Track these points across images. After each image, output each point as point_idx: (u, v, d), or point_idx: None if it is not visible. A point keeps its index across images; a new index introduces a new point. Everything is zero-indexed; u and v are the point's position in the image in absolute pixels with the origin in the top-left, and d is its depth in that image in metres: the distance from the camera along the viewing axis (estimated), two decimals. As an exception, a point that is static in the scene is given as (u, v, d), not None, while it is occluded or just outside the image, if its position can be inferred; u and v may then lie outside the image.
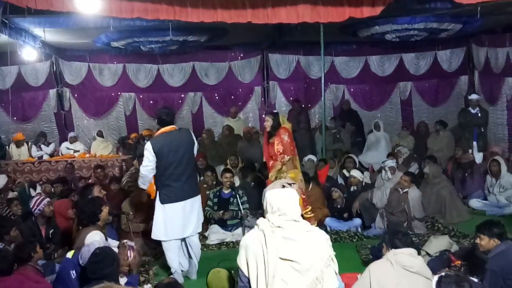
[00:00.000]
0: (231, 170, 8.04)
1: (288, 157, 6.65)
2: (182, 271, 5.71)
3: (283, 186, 5.07)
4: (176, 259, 5.65)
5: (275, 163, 6.71)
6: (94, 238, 4.74)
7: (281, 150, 6.63)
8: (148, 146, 5.47)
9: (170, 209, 5.50)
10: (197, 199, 5.71)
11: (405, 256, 3.87)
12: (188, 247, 5.72)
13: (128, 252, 4.90)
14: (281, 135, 6.68)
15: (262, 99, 13.20)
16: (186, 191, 5.57)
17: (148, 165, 5.49)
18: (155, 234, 5.59)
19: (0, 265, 4.34)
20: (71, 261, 4.54)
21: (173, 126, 5.67)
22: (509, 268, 4.30)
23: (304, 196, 6.63)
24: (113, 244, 5.21)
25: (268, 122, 6.82)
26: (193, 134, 5.86)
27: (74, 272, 4.45)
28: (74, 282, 4.40)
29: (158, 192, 5.55)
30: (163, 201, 5.51)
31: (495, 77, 11.38)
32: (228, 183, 7.48)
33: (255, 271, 3.31)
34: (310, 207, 6.67)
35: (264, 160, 7.35)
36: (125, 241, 5.09)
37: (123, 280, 4.57)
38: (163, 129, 5.61)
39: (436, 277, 3.47)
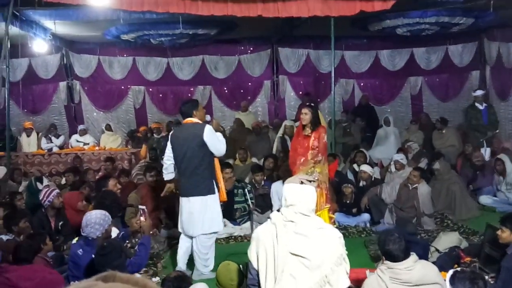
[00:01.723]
0: (231, 166, 7.97)
1: (321, 157, 6.24)
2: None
3: (302, 182, 4.99)
4: (180, 255, 5.59)
5: (307, 161, 6.24)
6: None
7: (315, 146, 6.22)
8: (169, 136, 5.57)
9: (181, 202, 5.52)
10: (204, 200, 5.38)
11: (400, 271, 3.61)
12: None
13: (140, 216, 5.21)
14: (321, 132, 6.21)
15: (272, 93, 13.17)
16: (187, 188, 5.41)
17: (166, 155, 5.58)
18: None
19: (24, 254, 4.42)
20: (77, 244, 4.67)
21: (191, 119, 5.46)
22: None
23: (327, 193, 6.43)
24: (114, 233, 5.26)
25: (307, 116, 6.15)
26: (207, 129, 5.32)
27: (81, 250, 4.56)
28: (82, 259, 4.48)
29: None
30: (179, 193, 5.60)
31: (506, 72, 11.27)
32: (228, 178, 7.27)
33: (264, 264, 3.31)
34: (329, 206, 6.41)
35: (290, 154, 6.67)
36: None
37: None
38: (183, 121, 5.62)
39: (450, 272, 3.43)
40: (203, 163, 5.36)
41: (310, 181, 5.10)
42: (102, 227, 4.66)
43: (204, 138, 5.29)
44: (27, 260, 4.41)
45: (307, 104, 6.51)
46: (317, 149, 6.25)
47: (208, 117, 5.95)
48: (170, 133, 5.59)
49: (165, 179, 5.70)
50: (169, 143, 5.54)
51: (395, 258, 3.64)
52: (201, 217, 5.40)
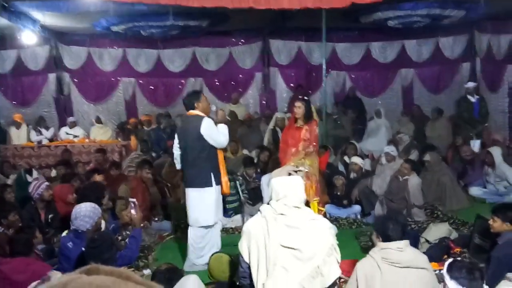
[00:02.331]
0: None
1: (312, 149, 6.36)
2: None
3: (289, 174, 5.00)
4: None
5: (298, 152, 6.35)
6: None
7: (307, 137, 6.33)
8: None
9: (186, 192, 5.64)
10: (201, 192, 5.44)
11: (392, 251, 3.65)
12: None
13: (131, 209, 5.27)
14: (313, 125, 6.35)
15: (263, 85, 13.14)
16: (188, 179, 5.54)
17: (174, 145, 5.73)
18: None
19: (22, 248, 4.42)
20: (67, 237, 4.68)
21: (193, 111, 5.53)
22: None
23: (317, 186, 6.48)
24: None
25: (300, 109, 6.30)
26: (205, 122, 5.38)
27: (71, 243, 4.56)
28: (72, 252, 4.48)
29: None
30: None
31: (497, 64, 11.32)
32: None
33: (256, 258, 3.31)
34: (318, 199, 6.46)
35: (280, 146, 6.80)
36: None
37: None
38: (186, 113, 5.70)
39: (447, 263, 3.45)
40: (202, 155, 5.41)
41: (296, 171, 5.10)
42: (91, 219, 4.65)
43: (201, 131, 5.35)
44: (24, 253, 4.39)
45: (301, 97, 6.60)
46: (308, 140, 6.30)
47: (213, 107, 5.94)
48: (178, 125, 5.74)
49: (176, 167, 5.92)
50: (176, 134, 5.73)
51: (390, 238, 3.68)
52: (197, 209, 5.45)
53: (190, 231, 5.57)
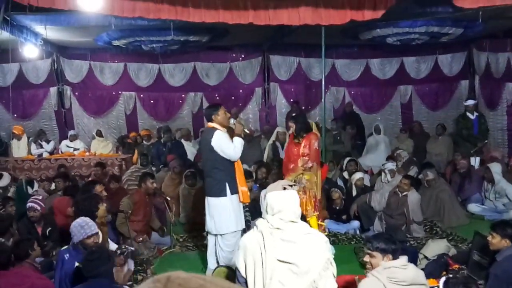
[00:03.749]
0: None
1: (311, 164, 6.46)
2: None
3: (284, 188, 5.04)
4: (208, 254, 5.74)
5: (297, 167, 6.48)
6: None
7: (306, 153, 6.46)
8: None
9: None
10: (212, 201, 5.59)
11: (397, 269, 3.63)
12: None
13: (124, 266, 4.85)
14: (311, 139, 6.49)
15: (263, 100, 13.20)
16: (206, 188, 5.72)
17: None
18: None
19: (3, 259, 4.42)
20: (65, 249, 4.72)
21: (210, 123, 5.69)
22: None
23: (315, 201, 6.52)
24: (113, 247, 5.24)
25: (291, 128, 6.64)
26: (216, 135, 5.49)
27: (67, 255, 4.58)
28: (69, 263, 4.49)
29: None
30: None
31: (495, 82, 11.39)
32: None
33: (252, 272, 3.32)
34: (318, 213, 6.52)
35: (284, 161, 7.03)
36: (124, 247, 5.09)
37: None
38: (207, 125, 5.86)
39: (443, 279, 3.46)
40: (216, 166, 5.55)
41: (291, 186, 5.16)
42: (79, 233, 4.66)
43: (212, 143, 5.49)
44: (2, 266, 4.38)
45: (292, 115, 6.80)
46: (308, 156, 6.35)
47: (232, 120, 5.99)
48: None
49: None
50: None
51: (387, 251, 3.67)
52: (213, 218, 5.59)
53: (218, 240, 5.62)
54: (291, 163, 6.59)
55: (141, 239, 6.60)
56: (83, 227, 4.69)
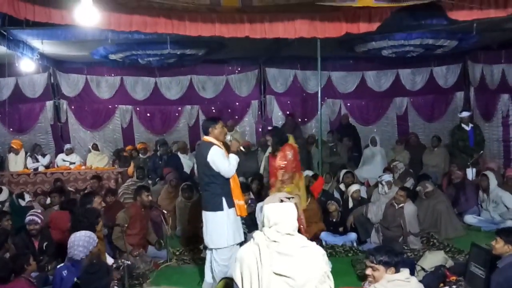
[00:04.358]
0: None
1: (288, 174, 6.49)
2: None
3: (281, 201, 5.04)
4: (205, 267, 5.69)
5: (275, 181, 6.56)
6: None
7: (282, 165, 6.51)
8: None
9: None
10: (208, 216, 5.55)
11: (401, 282, 3.65)
12: None
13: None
14: (286, 151, 6.54)
15: (259, 113, 13.23)
16: (202, 203, 5.66)
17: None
18: None
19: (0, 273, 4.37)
20: (62, 266, 4.68)
21: (206, 137, 5.64)
22: None
23: (299, 213, 6.52)
24: (109, 261, 5.21)
25: (268, 142, 6.77)
26: (212, 150, 5.47)
27: (65, 271, 4.55)
28: (66, 280, 4.44)
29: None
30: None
31: (490, 93, 11.46)
32: None
33: (248, 285, 3.31)
34: (302, 226, 6.50)
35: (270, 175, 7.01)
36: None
37: None
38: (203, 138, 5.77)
39: None
40: (212, 180, 5.50)
41: (289, 198, 5.16)
42: (86, 248, 4.64)
43: (208, 158, 5.45)
44: (3, 279, 4.36)
45: (268, 129, 6.88)
46: (284, 168, 6.40)
47: (228, 137, 5.98)
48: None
49: None
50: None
51: (390, 264, 3.67)
52: (209, 232, 5.54)
53: (212, 254, 5.59)
54: (271, 177, 6.67)
55: (137, 253, 6.58)
56: (86, 246, 4.66)
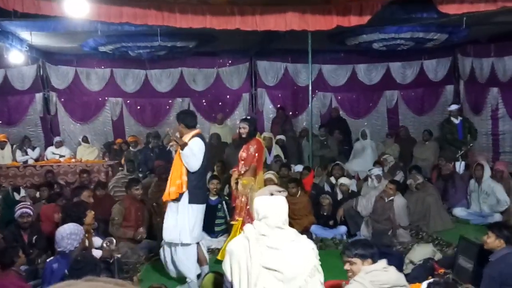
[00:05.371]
0: (218, 177, 8.04)
1: (246, 168, 6.36)
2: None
3: (272, 194, 5.04)
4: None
5: (234, 172, 6.54)
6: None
7: (243, 157, 6.39)
8: (199, 142, 5.43)
9: (198, 210, 5.50)
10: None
11: (378, 272, 3.64)
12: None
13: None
14: (250, 144, 6.40)
15: (250, 106, 13.22)
16: (206, 195, 5.73)
17: (202, 159, 5.42)
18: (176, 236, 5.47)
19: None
20: (53, 260, 4.68)
21: (198, 130, 5.66)
22: (508, 272, 4.37)
23: (245, 206, 6.51)
24: (97, 254, 5.20)
25: (245, 129, 6.44)
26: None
27: (56, 264, 4.54)
28: (56, 272, 4.43)
29: (187, 191, 5.39)
30: (191, 201, 5.42)
31: (480, 87, 11.53)
32: (215, 189, 7.46)
33: (238, 278, 3.32)
34: (241, 219, 6.30)
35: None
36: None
37: None
38: (196, 131, 5.59)
39: (425, 283, 3.47)
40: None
41: (279, 191, 5.13)
42: (74, 241, 4.63)
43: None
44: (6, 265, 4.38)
45: (246, 119, 6.80)
46: (244, 160, 6.37)
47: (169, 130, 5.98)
48: (202, 140, 5.60)
49: None
50: (203, 148, 5.59)
51: (366, 256, 3.68)
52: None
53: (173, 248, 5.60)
54: (235, 166, 6.68)
55: (140, 233, 6.71)
56: (77, 234, 4.67)
